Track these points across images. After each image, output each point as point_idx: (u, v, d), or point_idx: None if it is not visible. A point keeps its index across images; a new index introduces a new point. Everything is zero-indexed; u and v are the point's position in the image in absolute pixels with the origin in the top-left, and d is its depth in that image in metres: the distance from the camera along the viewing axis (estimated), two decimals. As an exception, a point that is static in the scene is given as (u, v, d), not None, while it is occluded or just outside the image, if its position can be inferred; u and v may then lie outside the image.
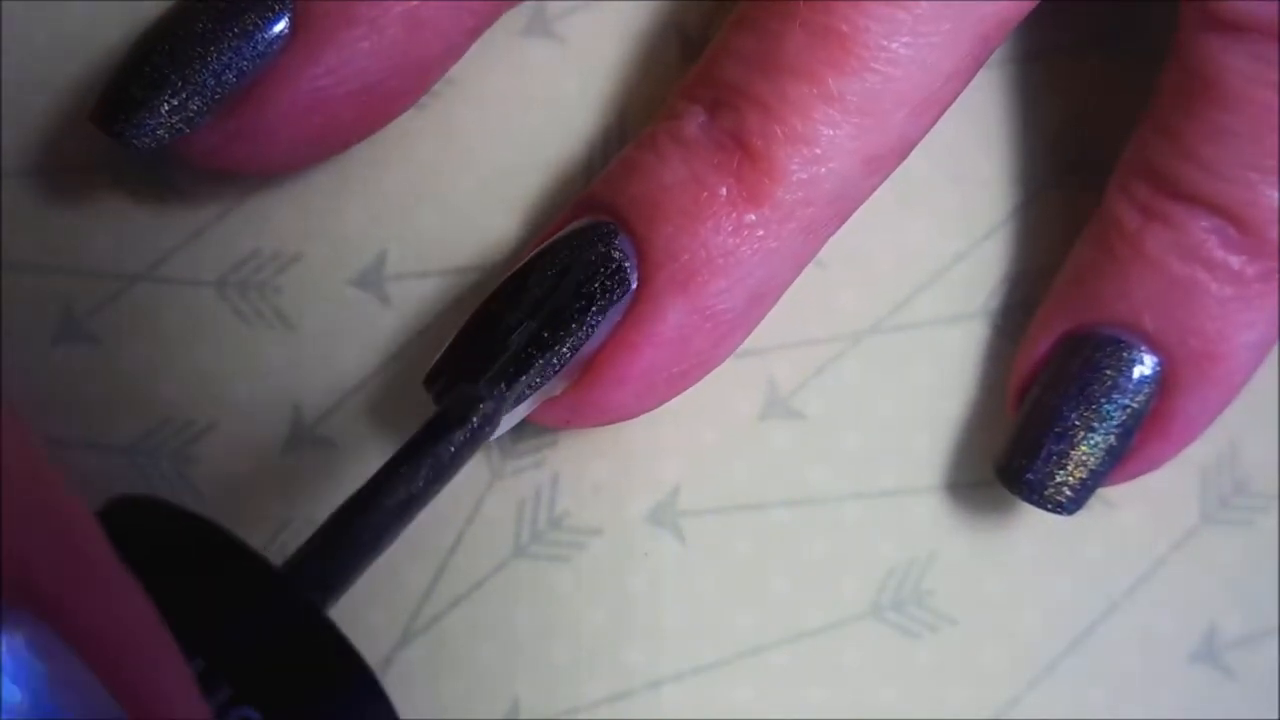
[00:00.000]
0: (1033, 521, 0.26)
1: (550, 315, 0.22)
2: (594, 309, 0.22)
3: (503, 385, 0.21)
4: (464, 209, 0.25)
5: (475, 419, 0.20)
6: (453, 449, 0.20)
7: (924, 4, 0.21)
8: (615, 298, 0.22)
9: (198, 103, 0.22)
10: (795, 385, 0.26)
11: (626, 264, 0.22)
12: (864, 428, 0.26)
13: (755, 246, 0.22)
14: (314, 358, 0.25)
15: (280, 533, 0.25)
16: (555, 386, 0.23)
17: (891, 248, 0.26)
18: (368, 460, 0.25)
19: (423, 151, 0.25)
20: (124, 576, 0.14)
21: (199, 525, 0.18)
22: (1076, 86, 0.26)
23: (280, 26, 0.22)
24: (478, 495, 0.25)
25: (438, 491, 0.20)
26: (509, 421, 0.23)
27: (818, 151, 0.22)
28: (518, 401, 0.22)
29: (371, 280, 0.25)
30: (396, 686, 0.25)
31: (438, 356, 0.23)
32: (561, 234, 0.23)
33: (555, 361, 0.22)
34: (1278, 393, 0.26)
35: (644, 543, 0.25)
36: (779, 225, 0.22)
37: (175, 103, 0.22)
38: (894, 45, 0.22)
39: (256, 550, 0.18)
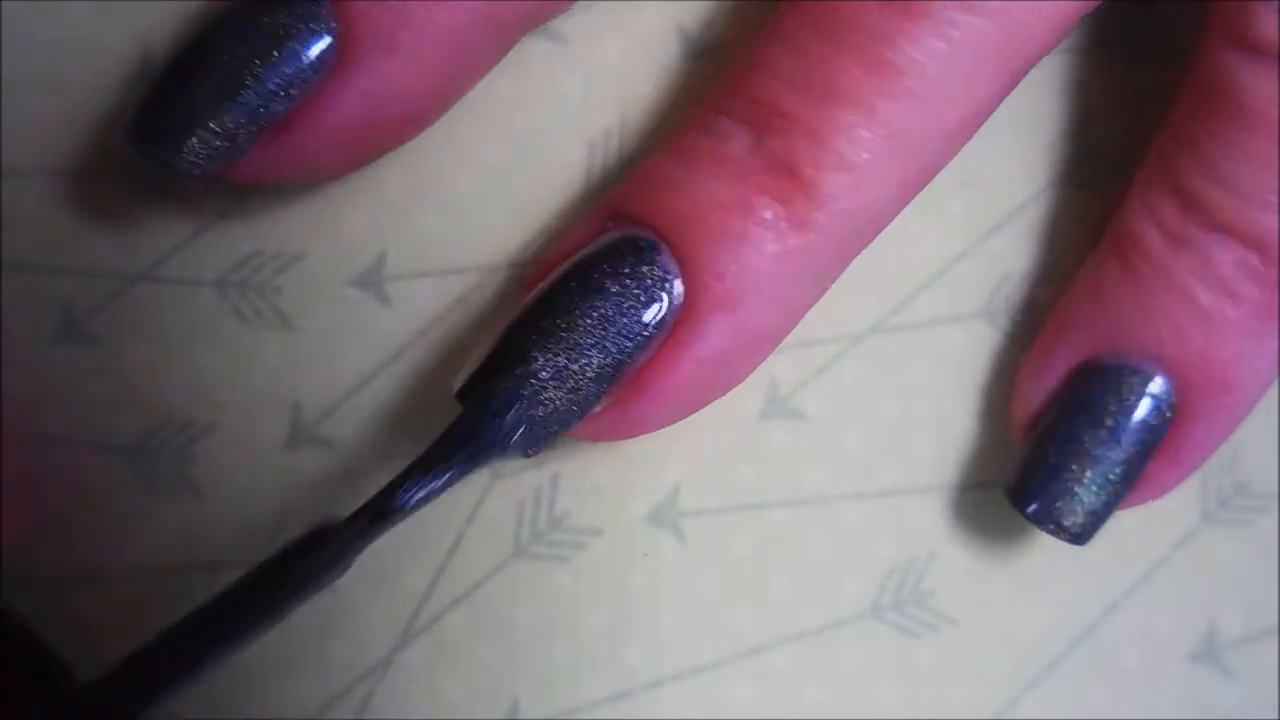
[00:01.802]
0: (1033, 521, 0.26)
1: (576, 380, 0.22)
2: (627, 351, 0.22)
3: (370, 522, 0.21)
4: (464, 209, 0.25)
5: (323, 558, 0.20)
6: (295, 583, 0.20)
7: (974, 41, 0.22)
8: (655, 321, 0.22)
9: (245, 134, 0.22)
10: (795, 385, 0.26)
11: (668, 282, 0.22)
12: (864, 428, 0.26)
13: (797, 271, 0.22)
14: (314, 358, 0.25)
15: (280, 533, 0.25)
16: (596, 404, 0.23)
17: (892, 248, 0.26)
18: (368, 460, 0.25)
19: (423, 151, 0.25)
20: None
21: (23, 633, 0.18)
22: (1078, 86, 0.26)
23: (324, 54, 0.22)
24: (478, 495, 0.25)
25: (277, 620, 0.20)
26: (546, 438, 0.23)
27: (861, 179, 0.22)
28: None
29: (371, 280, 0.25)
30: (396, 686, 0.25)
31: (470, 372, 0.22)
32: (596, 247, 0.22)
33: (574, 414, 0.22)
34: (1278, 394, 0.26)
35: (644, 543, 0.25)
36: (819, 251, 0.22)
37: (221, 136, 0.22)
38: (945, 81, 0.22)
39: (65, 668, 0.17)
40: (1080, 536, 0.24)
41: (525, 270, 0.25)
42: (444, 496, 0.25)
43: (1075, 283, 0.25)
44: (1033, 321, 0.26)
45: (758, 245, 0.22)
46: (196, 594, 0.24)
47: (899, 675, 0.26)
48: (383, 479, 0.25)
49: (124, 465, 0.24)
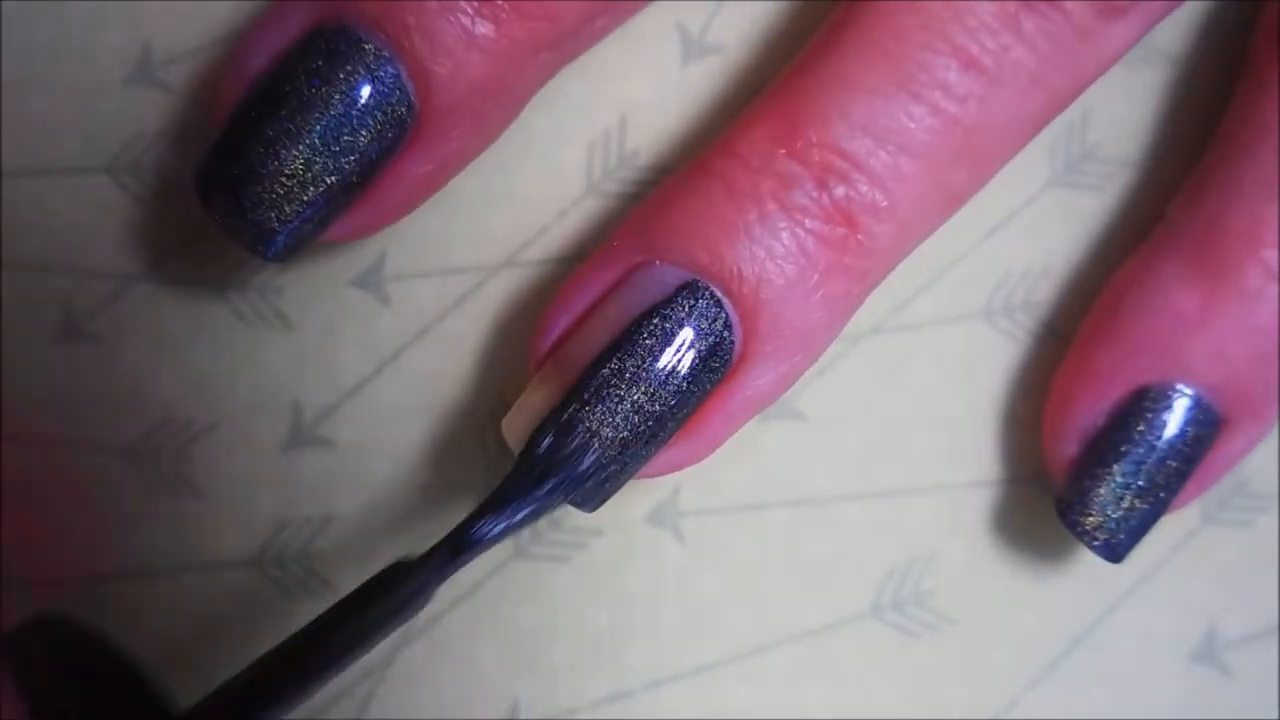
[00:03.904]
0: (1033, 522, 0.26)
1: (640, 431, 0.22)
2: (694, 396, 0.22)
3: (449, 557, 0.21)
4: (464, 209, 0.25)
5: (403, 593, 0.20)
6: (377, 617, 0.19)
7: (1038, 97, 0.22)
8: (714, 376, 0.22)
9: (326, 216, 0.22)
10: (796, 386, 0.26)
11: (731, 338, 0.22)
12: (864, 428, 0.26)
13: (840, 315, 0.23)
14: (314, 358, 0.25)
15: (280, 533, 0.25)
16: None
17: (892, 248, 0.26)
18: (367, 460, 0.25)
19: (423, 151, 0.25)
20: None
21: (116, 657, 0.17)
22: (1077, 86, 0.26)
23: (402, 136, 0.22)
24: (477, 495, 0.25)
25: (359, 656, 0.19)
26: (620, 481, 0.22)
27: (913, 229, 0.22)
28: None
29: (371, 280, 0.25)
30: (396, 686, 0.25)
31: (538, 420, 0.22)
32: (660, 304, 0.22)
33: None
34: (1277, 396, 0.26)
35: (644, 543, 0.25)
36: (861, 296, 0.23)
37: (309, 224, 0.22)
38: (1000, 143, 0.22)
39: (164, 694, 0.17)
40: (1122, 556, 0.24)
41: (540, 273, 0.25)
42: (443, 496, 0.25)
43: (1139, 299, 0.24)
44: (1032, 321, 0.26)
45: (818, 299, 0.22)
46: (196, 594, 0.24)
47: (899, 675, 0.26)
48: (383, 479, 0.25)
49: (124, 465, 0.24)
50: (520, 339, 0.25)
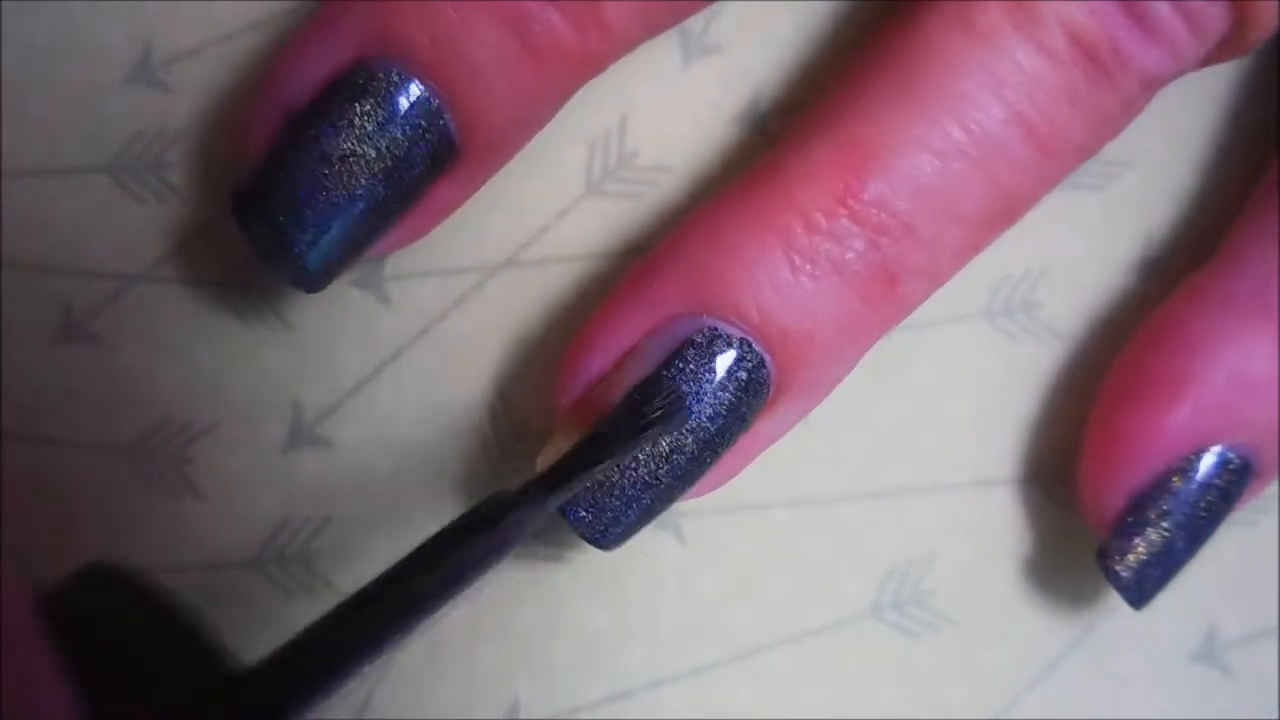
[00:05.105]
0: (1033, 522, 0.26)
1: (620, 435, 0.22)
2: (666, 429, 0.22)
3: (544, 493, 0.20)
4: (464, 209, 0.25)
5: (504, 524, 0.19)
6: (475, 553, 0.18)
7: (1074, 162, 0.22)
8: (747, 423, 0.23)
9: (370, 244, 0.22)
10: (795, 385, 0.26)
11: (767, 389, 0.22)
12: (865, 428, 0.26)
13: (863, 353, 0.23)
14: (314, 358, 0.25)
15: (279, 533, 0.25)
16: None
17: (892, 248, 0.26)
18: (367, 460, 0.25)
19: (423, 151, 0.25)
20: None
21: (178, 609, 0.17)
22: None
23: (444, 168, 0.22)
24: (477, 495, 0.25)
25: (452, 597, 0.18)
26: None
27: (942, 281, 0.23)
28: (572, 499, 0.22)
29: (371, 280, 0.25)
30: (396, 686, 0.25)
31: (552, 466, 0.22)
32: (708, 368, 0.22)
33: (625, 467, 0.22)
34: (1277, 397, 0.26)
35: (644, 543, 0.25)
36: (882, 336, 0.23)
37: (350, 256, 0.22)
38: (1038, 198, 0.23)
39: (223, 647, 0.17)
40: (1148, 601, 0.24)
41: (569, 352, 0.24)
42: (443, 496, 0.25)
43: (1204, 358, 0.24)
44: (1033, 321, 0.26)
45: (854, 353, 0.23)
46: (196, 594, 0.24)
47: (899, 675, 0.26)
48: (383, 479, 0.25)
49: (124, 465, 0.24)
50: (520, 339, 0.25)
